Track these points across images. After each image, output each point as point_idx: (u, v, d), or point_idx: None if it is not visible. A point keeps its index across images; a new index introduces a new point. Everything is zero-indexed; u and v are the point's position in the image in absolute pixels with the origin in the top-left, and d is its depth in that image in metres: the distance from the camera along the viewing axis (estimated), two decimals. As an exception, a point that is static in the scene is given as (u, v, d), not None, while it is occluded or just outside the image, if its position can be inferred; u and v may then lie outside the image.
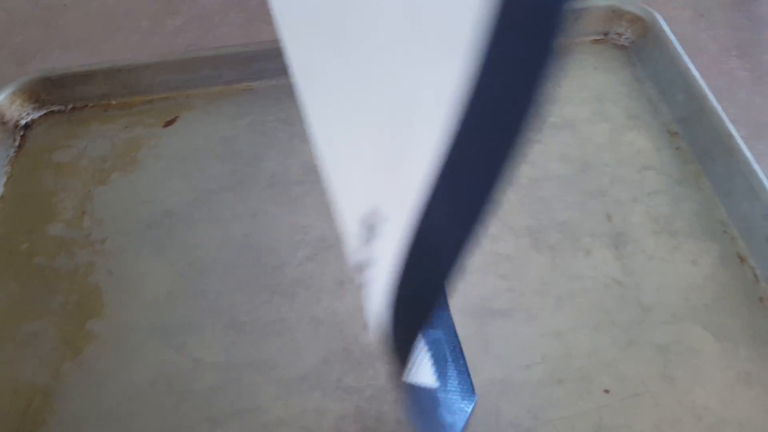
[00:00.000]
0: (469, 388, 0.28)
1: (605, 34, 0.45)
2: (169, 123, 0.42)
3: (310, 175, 0.38)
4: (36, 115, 0.43)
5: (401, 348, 0.21)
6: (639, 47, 0.44)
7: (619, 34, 0.45)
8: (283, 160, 0.39)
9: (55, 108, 0.43)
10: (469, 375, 0.28)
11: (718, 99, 0.50)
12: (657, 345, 0.30)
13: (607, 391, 0.29)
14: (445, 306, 0.27)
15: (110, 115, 0.43)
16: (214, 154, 0.40)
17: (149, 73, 0.43)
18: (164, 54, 0.45)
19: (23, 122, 0.42)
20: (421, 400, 0.26)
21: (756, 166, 0.35)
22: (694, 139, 0.39)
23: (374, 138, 0.17)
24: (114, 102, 0.44)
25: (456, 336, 0.28)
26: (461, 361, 0.28)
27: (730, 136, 0.37)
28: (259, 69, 0.43)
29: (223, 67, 0.43)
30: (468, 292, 0.32)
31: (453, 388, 0.27)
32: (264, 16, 0.52)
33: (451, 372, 0.27)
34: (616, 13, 0.45)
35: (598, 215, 0.36)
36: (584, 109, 0.38)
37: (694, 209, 0.36)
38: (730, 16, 0.59)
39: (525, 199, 0.36)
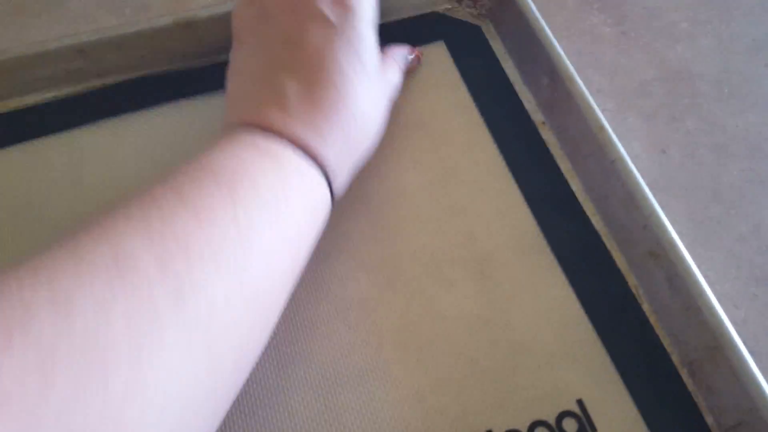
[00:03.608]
0: None
1: (459, 2, 0.39)
2: None
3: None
4: None
5: None
6: (497, 17, 0.38)
7: (475, 1, 0.39)
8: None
9: None
10: None
11: (581, 64, 0.45)
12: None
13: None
14: None
15: None
16: None
17: None
18: None
19: None
20: None
21: (633, 167, 0.30)
22: (563, 131, 0.34)
23: None
24: None
25: None
26: None
27: (602, 128, 0.32)
28: (28, 80, 0.33)
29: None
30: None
31: None
32: (32, 6, 0.40)
33: None
34: (469, -24, 0.38)
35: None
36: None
37: (568, 220, 0.31)
38: (588, -40, 0.54)
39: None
